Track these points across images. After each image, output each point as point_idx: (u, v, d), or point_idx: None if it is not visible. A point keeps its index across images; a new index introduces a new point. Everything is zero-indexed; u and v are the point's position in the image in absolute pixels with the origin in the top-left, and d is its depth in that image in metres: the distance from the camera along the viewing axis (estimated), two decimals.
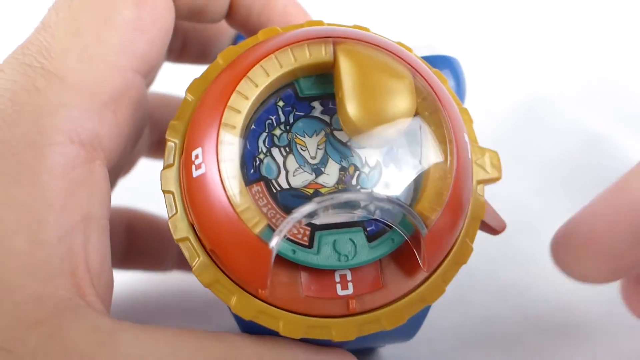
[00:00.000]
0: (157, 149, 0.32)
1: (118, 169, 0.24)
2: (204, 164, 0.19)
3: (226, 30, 0.30)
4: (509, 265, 0.32)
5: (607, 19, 0.43)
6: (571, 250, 0.22)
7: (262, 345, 0.20)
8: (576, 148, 0.36)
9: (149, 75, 0.23)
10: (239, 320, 0.21)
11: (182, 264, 0.34)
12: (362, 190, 0.20)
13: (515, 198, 0.34)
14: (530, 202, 0.34)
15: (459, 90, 0.25)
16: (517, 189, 0.34)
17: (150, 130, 0.31)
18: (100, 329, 0.18)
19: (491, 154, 0.22)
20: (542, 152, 0.36)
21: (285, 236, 0.19)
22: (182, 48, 0.29)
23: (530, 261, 0.31)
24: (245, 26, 0.25)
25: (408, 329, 0.23)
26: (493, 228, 0.23)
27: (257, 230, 0.19)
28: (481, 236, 0.32)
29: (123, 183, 0.32)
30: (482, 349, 0.28)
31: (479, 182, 0.22)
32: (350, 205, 0.20)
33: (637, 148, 0.35)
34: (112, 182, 0.23)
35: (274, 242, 0.19)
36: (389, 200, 0.19)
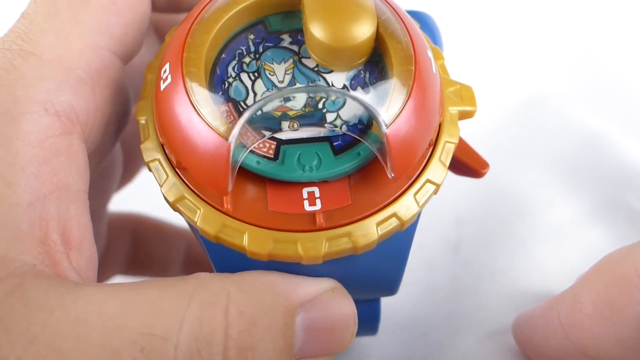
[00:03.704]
0: None
1: (101, 152, 0.24)
2: (170, 74, 0.20)
3: None
4: (503, 252, 0.32)
5: (606, 18, 0.43)
6: (520, 340, 0.26)
7: (235, 275, 0.19)
8: (575, 146, 0.36)
9: (128, 60, 0.23)
10: (213, 258, 0.21)
11: (188, 269, 0.34)
12: (315, 84, 0.20)
13: (515, 190, 0.34)
14: (529, 195, 0.34)
15: (436, 44, 0.25)
16: (517, 182, 0.35)
17: None
18: (61, 285, 0.18)
19: (463, 86, 0.22)
20: (542, 149, 0.36)
21: (243, 142, 0.19)
22: None
23: (524, 250, 0.32)
24: None
25: (389, 272, 0.22)
26: (476, 169, 0.23)
27: (219, 130, 0.19)
28: (478, 224, 0.33)
29: (127, 190, 0.32)
30: (475, 336, 0.28)
31: (452, 109, 0.22)
32: (315, 118, 0.20)
33: (634, 145, 0.36)
34: (96, 166, 0.23)
35: (233, 135, 0.19)
36: (343, 93, 0.20)
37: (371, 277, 0.22)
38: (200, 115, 0.19)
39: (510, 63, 0.41)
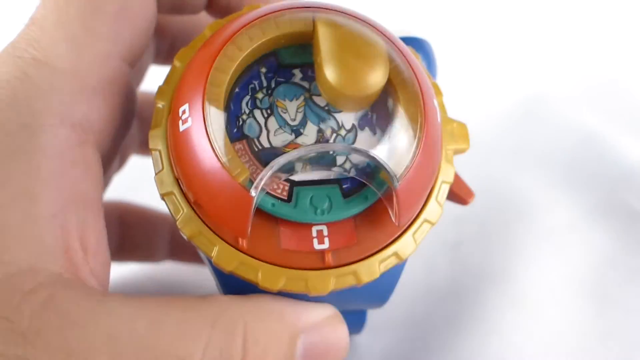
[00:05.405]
0: (146, 146, 0.32)
1: (110, 157, 0.25)
2: (190, 117, 0.20)
3: None
4: (503, 252, 0.32)
5: (605, 18, 0.43)
6: None
7: (249, 301, 0.20)
8: (574, 146, 0.37)
9: (135, 65, 0.23)
10: (222, 281, 0.22)
11: (174, 255, 0.34)
12: (336, 143, 0.21)
13: (514, 190, 0.35)
14: (528, 195, 0.34)
15: (431, 70, 0.26)
16: (516, 182, 0.35)
17: (140, 129, 0.31)
18: (90, 297, 0.19)
19: (459, 124, 0.23)
20: (541, 150, 0.37)
21: (264, 188, 0.20)
22: (169, 50, 0.30)
23: (523, 250, 0.32)
24: (226, 16, 0.26)
25: (381, 291, 0.24)
26: (462, 198, 0.24)
27: (240, 179, 0.19)
28: (477, 224, 0.33)
29: (115, 178, 0.32)
30: (474, 336, 0.28)
31: (448, 149, 0.23)
32: (326, 161, 0.21)
33: (634, 145, 0.36)
34: (105, 171, 0.23)
35: (255, 190, 0.19)
36: (361, 151, 0.20)
37: (363, 296, 0.23)
38: (223, 165, 0.19)
39: (510, 63, 0.41)
